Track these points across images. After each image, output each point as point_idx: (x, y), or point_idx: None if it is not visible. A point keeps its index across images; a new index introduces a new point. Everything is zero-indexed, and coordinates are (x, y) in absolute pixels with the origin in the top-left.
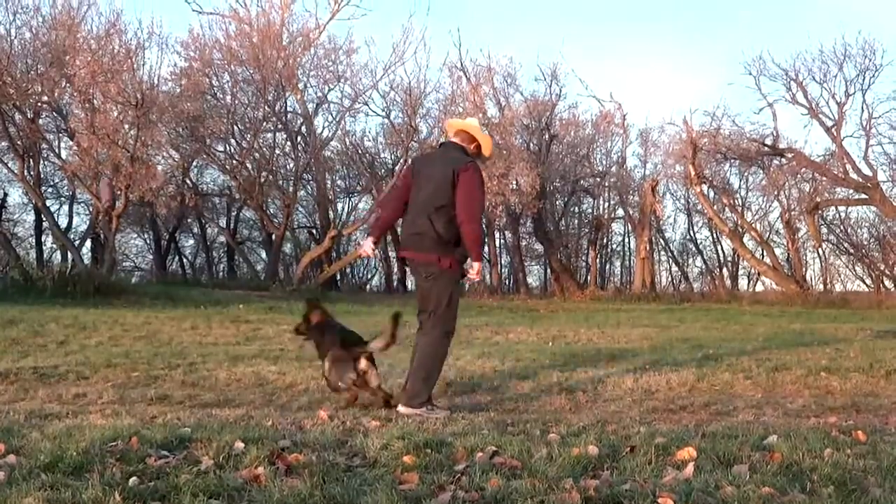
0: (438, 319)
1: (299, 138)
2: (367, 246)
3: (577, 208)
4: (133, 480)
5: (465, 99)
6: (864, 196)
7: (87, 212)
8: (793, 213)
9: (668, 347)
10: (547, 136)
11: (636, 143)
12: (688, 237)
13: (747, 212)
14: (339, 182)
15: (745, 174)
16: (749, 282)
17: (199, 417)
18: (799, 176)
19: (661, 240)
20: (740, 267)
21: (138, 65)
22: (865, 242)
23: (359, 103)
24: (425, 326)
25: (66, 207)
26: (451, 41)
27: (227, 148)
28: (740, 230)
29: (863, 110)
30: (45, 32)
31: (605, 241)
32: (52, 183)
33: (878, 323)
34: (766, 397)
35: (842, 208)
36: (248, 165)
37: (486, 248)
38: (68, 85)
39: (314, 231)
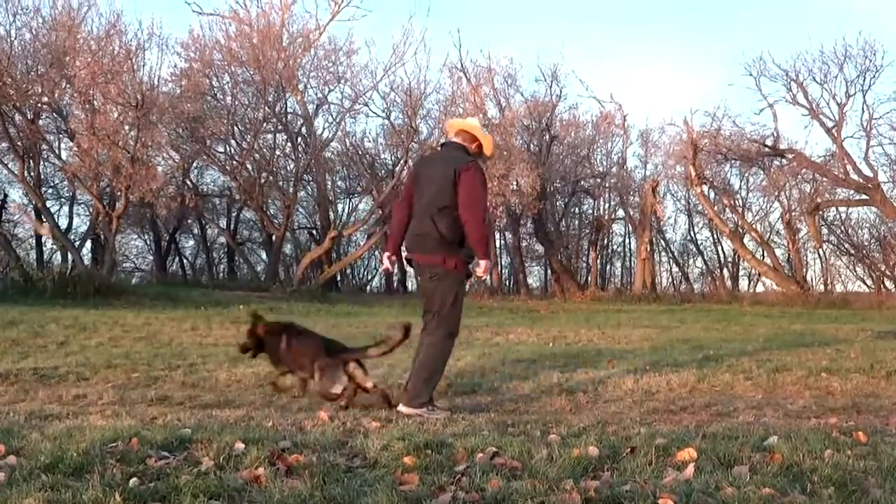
0: (442, 320)
1: (299, 139)
2: (386, 262)
3: (577, 209)
4: (133, 481)
5: (465, 100)
6: (864, 197)
7: (88, 213)
8: (793, 213)
9: (669, 348)
10: (547, 137)
11: (637, 143)
12: (688, 238)
13: (748, 212)
14: (339, 183)
15: (746, 175)
16: (750, 282)
17: (200, 418)
18: (799, 177)
19: (662, 240)
20: (741, 268)
21: (138, 66)
22: (866, 243)
23: (359, 104)
24: (429, 327)
25: (66, 208)
26: (452, 42)
27: (228, 149)
28: (741, 231)
29: (863, 111)
30: (45, 33)
31: (605, 241)
32: (52, 184)
33: (878, 324)
34: (767, 398)
35: (842, 209)
36: (249, 166)
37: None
38: (68, 86)
39: (314, 232)
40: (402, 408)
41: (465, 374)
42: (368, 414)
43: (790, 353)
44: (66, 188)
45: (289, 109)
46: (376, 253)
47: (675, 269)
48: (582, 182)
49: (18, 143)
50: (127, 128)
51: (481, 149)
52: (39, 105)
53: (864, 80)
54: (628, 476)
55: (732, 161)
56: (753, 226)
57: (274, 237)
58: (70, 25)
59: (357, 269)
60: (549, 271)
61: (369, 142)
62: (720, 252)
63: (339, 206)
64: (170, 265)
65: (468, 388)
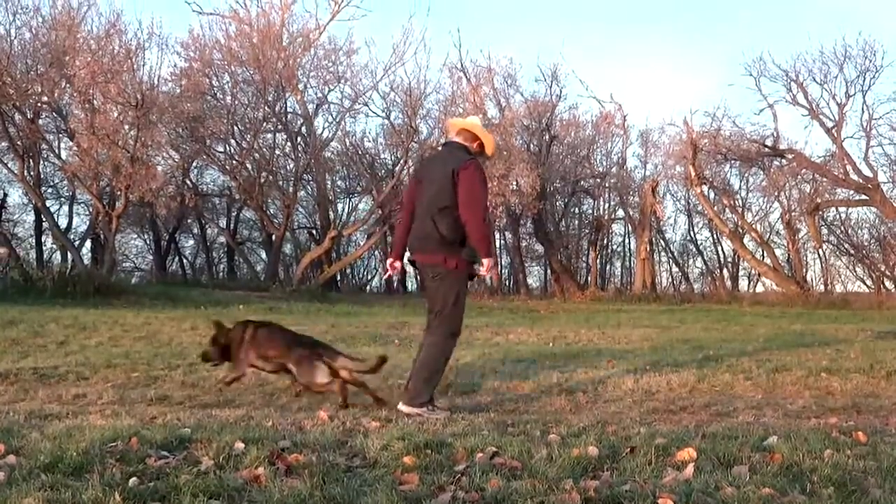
0: (444, 320)
1: (299, 139)
2: (388, 268)
3: (577, 209)
4: (133, 481)
5: (465, 100)
6: (864, 197)
7: (87, 212)
8: (793, 213)
9: (669, 348)
10: (547, 137)
11: (636, 143)
12: (688, 238)
13: (748, 213)
14: (339, 183)
15: (746, 175)
16: (749, 283)
17: (199, 418)
18: (799, 177)
19: (662, 240)
20: (741, 268)
21: (138, 65)
22: (866, 243)
23: (359, 104)
24: (431, 326)
25: (65, 208)
26: (452, 42)
27: (227, 148)
28: (741, 231)
29: (863, 111)
30: (44, 33)
31: (605, 241)
32: (52, 183)
33: (878, 324)
34: (767, 398)
35: (842, 209)
36: (248, 166)
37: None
38: (68, 85)
39: (314, 232)
40: (402, 407)
41: (465, 374)
42: (368, 414)
43: (790, 353)
44: (65, 188)
45: (289, 109)
46: (376, 253)
47: (674, 269)
48: (582, 182)
49: (18, 143)
50: (127, 127)
51: (483, 148)
52: (39, 104)
53: (863, 81)
54: (628, 476)
55: (732, 161)
56: (753, 226)
57: (274, 237)
58: (70, 25)
59: (357, 269)
60: (548, 271)
61: (369, 141)
62: (720, 252)
63: (339, 206)
64: (169, 265)
65: (468, 388)
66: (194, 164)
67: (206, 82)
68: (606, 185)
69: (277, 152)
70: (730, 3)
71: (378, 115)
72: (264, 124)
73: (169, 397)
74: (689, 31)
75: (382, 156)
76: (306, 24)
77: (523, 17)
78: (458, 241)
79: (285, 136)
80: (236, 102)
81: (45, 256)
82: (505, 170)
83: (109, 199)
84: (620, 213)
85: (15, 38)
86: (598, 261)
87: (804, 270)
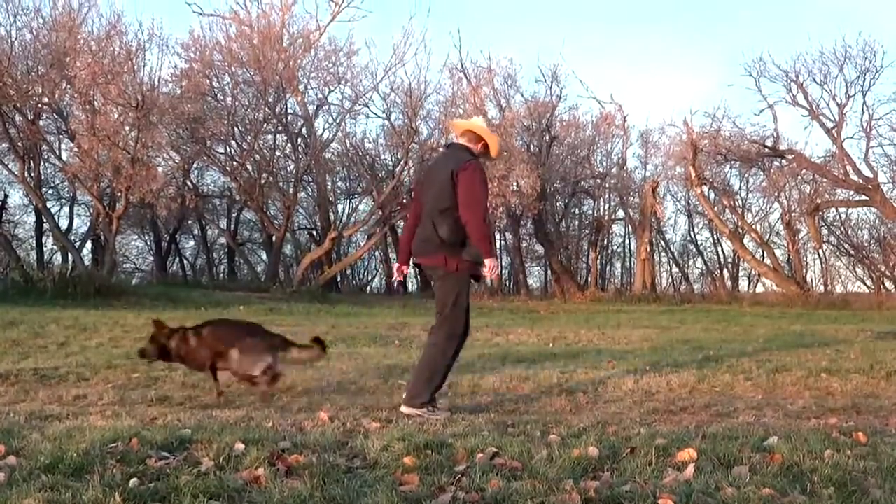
0: (444, 321)
1: (300, 140)
2: (396, 274)
3: (577, 209)
4: (133, 482)
5: (465, 100)
6: (864, 197)
7: (88, 213)
8: (793, 214)
9: (669, 349)
10: (547, 138)
11: (636, 144)
12: (688, 238)
13: (748, 213)
14: (339, 184)
15: (746, 175)
16: (749, 283)
17: (200, 419)
18: (799, 177)
19: (662, 241)
20: (741, 268)
21: (139, 66)
22: (866, 244)
23: (359, 105)
24: (433, 327)
25: (66, 209)
26: (452, 42)
27: (228, 149)
28: (741, 231)
29: (863, 112)
30: (45, 34)
31: (605, 242)
32: (52, 184)
33: (878, 324)
34: (767, 399)
35: (842, 210)
36: (249, 167)
37: None
38: (69, 86)
39: (314, 232)
40: (402, 408)
41: (465, 375)
42: (368, 414)
43: (790, 353)
44: (66, 189)
45: (289, 110)
46: (377, 254)
47: (674, 269)
48: (582, 183)
49: (19, 144)
50: (127, 128)
51: (487, 149)
52: (40, 105)
53: (863, 81)
54: (628, 476)
55: (732, 162)
56: (753, 226)
57: (274, 238)
58: (70, 26)
59: (357, 270)
60: (549, 272)
61: (369, 142)
62: (720, 253)
63: (340, 207)
64: (170, 266)
65: (468, 388)
66: (195, 165)
67: (206, 83)
68: (607, 185)
69: (278, 153)
70: (730, 3)
71: (378, 116)
72: (265, 125)
73: (169, 398)
74: (689, 31)
75: (383, 157)
76: (307, 25)
77: (523, 17)
78: (458, 243)
79: (286, 137)
80: (237, 103)
81: (45, 257)
82: (505, 170)
83: (110, 200)
84: (620, 213)
85: (16, 39)
86: (598, 261)
87: (804, 271)
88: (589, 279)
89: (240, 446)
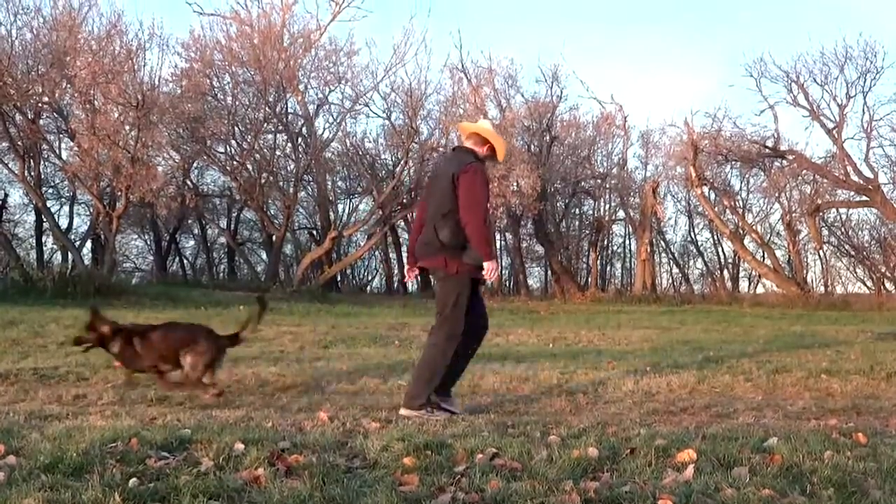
0: (444, 322)
1: (300, 139)
2: (408, 275)
3: (577, 210)
4: (133, 481)
5: (465, 100)
6: (865, 198)
7: (88, 212)
8: (794, 214)
9: (669, 349)
10: (548, 138)
11: (637, 144)
12: (688, 239)
13: (748, 214)
14: (339, 183)
15: (746, 176)
16: (750, 284)
17: (199, 419)
18: (800, 178)
19: (662, 241)
20: (741, 269)
21: (139, 66)
22: (866, 244)
23: (359, 105)
24: (433, 328)
25: (66, 208)
26: (452, 42)
27: (228, 149)
28: (741, 232)
29: (864, 112)
30: (45, 33)
31: (605, 242)
32: (52, 184)
33: (878, 325)
34: (767, 399)
35: (843, 210)
36: (249, 166)
37: None
38: (69, 86)
39: (315, 232)
40: (402, 410)
41: (465, 375)
42: (368, 414)
43: (790, 354)
44: (66, 188)
45: (289, 110)
46: (377, 253)
47: (675, 270)
48: (582, 183)
49: (19, 143)
50: (127, 128)
51: (494, 152)
52: (40, 105)
53: (864, 82)
54: (628, 477)
55: (733, 162)
56: (754, 227)
57: (274, 237)
58: (71, 25)
59: (357, 270)
60: (549, 272)
61: (370, 142)
62: (720, 253)
63: (340, 207)
64: (170, 265)
65: (468, 388)
66: (195, 164)
67: (206, 83)
68: (607, 185)
69: (278, 153)
70: (730, 3)
71: (379, 116)
72: (265, 125)
73: (169, 398)
74: (690, 31)
75: (383, 156)
76: (307, 24)
77: (524, 17)
78: (459, 246)
79: (286, 137)
80: (237, 103)
81: (45, 257)
82: (505, 171)
83: (110, 200)
84: (621, 213)
85: (16, 38)
86: (598, 262)
87: (804, 272)
88: (589, 280)
89: (239, 446)
